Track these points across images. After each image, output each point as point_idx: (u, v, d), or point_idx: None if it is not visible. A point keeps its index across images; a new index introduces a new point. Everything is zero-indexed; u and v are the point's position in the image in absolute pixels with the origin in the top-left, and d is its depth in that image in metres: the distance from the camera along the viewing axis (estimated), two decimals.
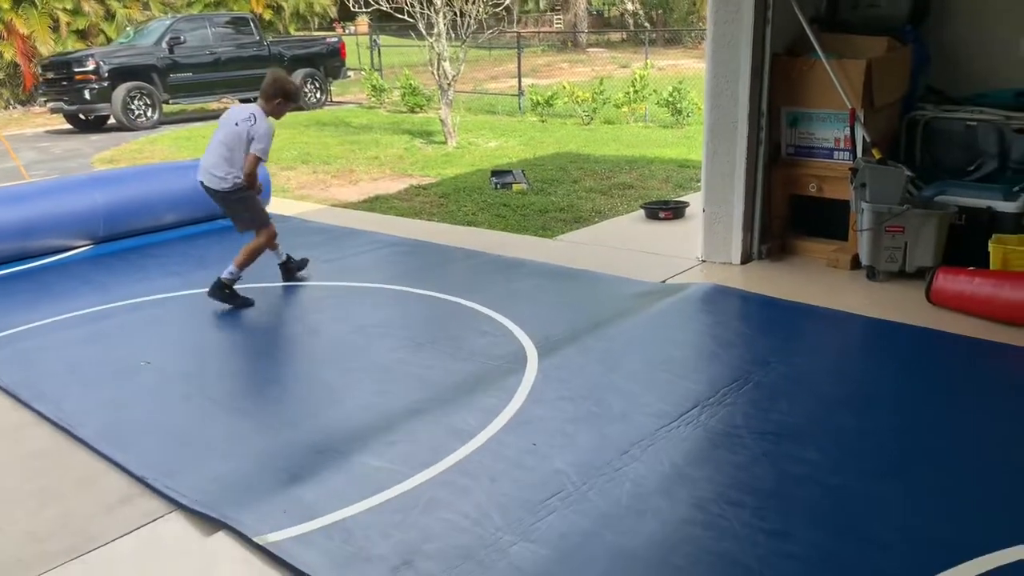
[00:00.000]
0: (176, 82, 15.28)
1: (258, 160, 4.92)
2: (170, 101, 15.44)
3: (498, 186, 8.34)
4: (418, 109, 15.39)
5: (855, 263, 5.23)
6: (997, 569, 2.52)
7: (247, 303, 5.07)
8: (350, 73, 19.40)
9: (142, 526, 2.97)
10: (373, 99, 16.83)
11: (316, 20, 26.16)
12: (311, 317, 5.05)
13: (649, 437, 3.34)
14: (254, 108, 4.99)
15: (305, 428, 3.60)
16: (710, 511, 2.87)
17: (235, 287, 5.07)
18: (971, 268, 4.57)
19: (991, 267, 4.63)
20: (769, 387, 3.73)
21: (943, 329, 4.32)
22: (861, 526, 2.77)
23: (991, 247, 4.64)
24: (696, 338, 4.43)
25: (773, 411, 3.53)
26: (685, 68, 16.45)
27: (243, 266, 5.08)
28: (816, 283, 5.09)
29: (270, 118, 5.00)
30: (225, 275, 5.04)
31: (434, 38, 11.61)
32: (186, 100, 15.88)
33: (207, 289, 5.06)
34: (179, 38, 15.41)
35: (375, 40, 20.16)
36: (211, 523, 2.95)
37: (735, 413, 3.50)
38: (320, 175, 9.77)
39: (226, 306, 5.04)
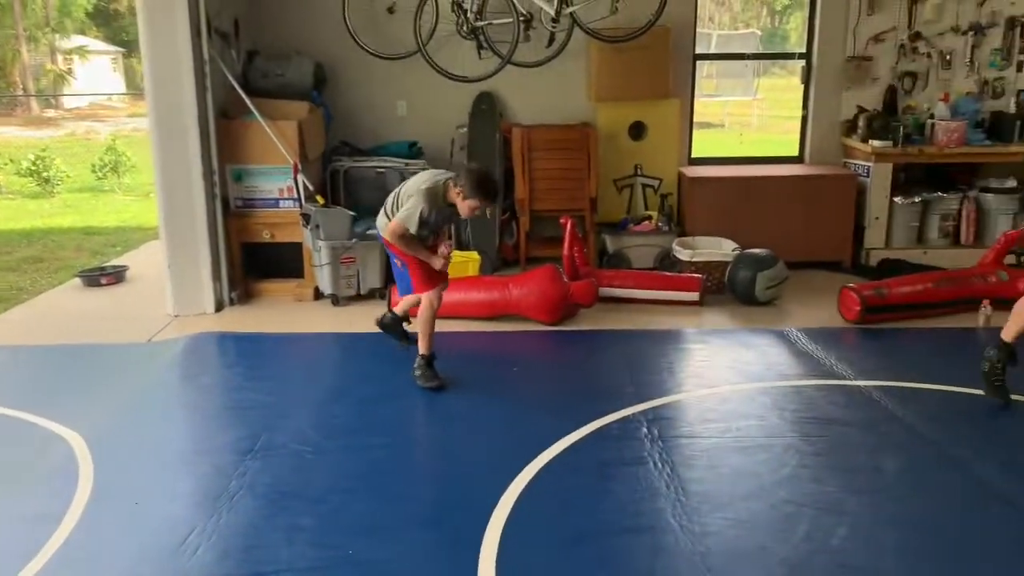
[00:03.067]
0: None
1: None
2: None
3: None
4: None
5: (317, 294, 6.02)
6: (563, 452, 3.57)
7: None
8: None
9: None
10: None
11: None
12: None
13: (242, 466, 3.60)
14: None
15: None
16: (343, 488, 3.34)
17: None
18: None
19: None
20: (316, 404, 4.26)
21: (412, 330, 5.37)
22: (476, 463, 3.57)
23: None
24: (223, 380, 4.68)
25: (336, 420, 4.08)
26: (11, 136, 15.26)
27: None
28: (293, 316, 5.72)
29: None
30: None
31: None
32: None
33: None
34: None
35: None
36: None
37: (304, 432, 3.94)
38: None
39: None
